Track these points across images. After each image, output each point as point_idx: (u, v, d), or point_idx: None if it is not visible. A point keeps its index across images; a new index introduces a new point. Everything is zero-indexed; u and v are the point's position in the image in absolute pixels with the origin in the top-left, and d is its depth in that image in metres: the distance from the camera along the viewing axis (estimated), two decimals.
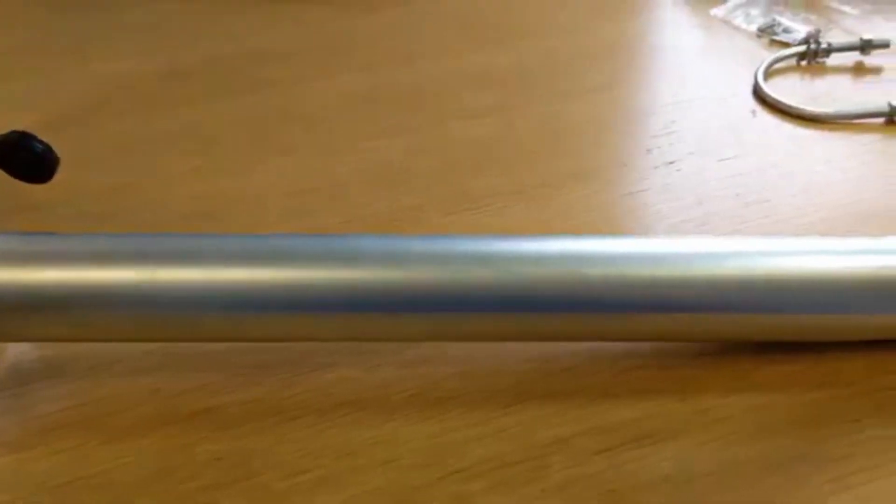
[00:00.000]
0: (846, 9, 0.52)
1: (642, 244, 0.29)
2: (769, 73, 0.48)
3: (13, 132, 0.37)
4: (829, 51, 0.49)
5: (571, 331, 0.30)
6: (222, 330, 0.29)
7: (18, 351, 0.33)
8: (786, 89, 0.47)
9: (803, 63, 0.49)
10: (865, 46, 0.48)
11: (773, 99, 0.46)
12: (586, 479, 0.27)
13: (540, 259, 0.29)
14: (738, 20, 0.53)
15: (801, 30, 0.50)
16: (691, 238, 0.31)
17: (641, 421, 0.29)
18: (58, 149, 0.37)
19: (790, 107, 0.45)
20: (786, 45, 0.50)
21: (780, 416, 0.30)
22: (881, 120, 0.44)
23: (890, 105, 0.44)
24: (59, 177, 0.37)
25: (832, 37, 0.50)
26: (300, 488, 0.27)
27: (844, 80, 0.48)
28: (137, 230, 0.33)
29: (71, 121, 0.47)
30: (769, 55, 0.49)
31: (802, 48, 0.49)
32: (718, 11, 0.53)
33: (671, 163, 0.42)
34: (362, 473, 0.28)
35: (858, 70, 0.49)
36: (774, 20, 0.51)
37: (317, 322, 0.30)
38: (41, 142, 0.38)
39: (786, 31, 0.51)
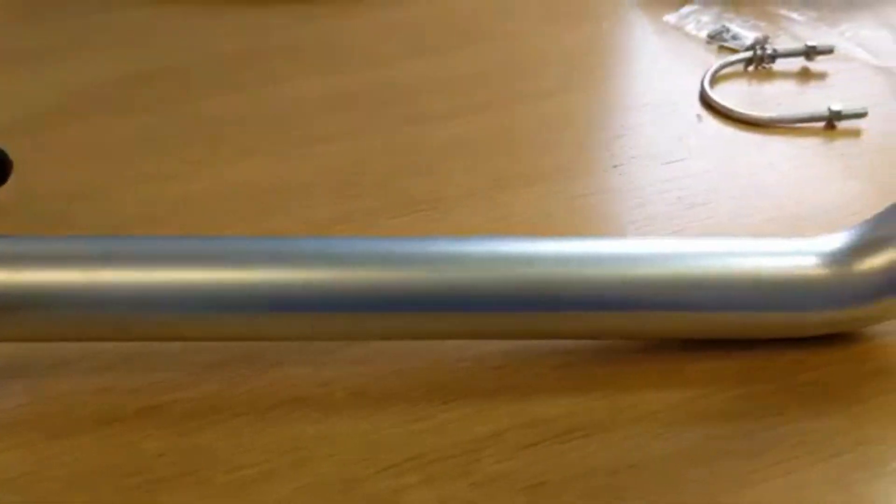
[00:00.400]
0: (794, 16, 0.53)
1: (572, 245, 0.31)
2: (716, 79, 0.49)
3: None
4: (775, 57, 0.50)
5: (505, 330, 0.31)
6: (167, 330, 0.30)
7: None
8: (732, 94, 0.48)
9: (750, 69, 0.50)
10: (810, 52, 0.50)
11: (719, 104, 0.47)
12: (515, 472, 0.28)
13: (474, 260, 0.30)
14: (690, 27, 0.54)
15: (749, 36, 0.52)
16: (623, 239, 0.32)
17: (571, 415, 0.30)
18: (13, 154, 0.38)
19: (734, 111, 0.46)
20: (734, 51, 0.51)
21: (706, 410, 0.31)
22: (822, 124, 0.45)
23: (829, 109, 0.45)
24: (14, 181, 0.38)
25: (780, 43, 0.52)
26: (241, 482, 0.28)
27: (789, 86, 0.50)
28: (89, 233, 0.34)
29: (28, 126, 0.48)
30: (717, 61, 0.50)
31: (749, 54, 0.50)
32: (671, 18, 0.55)
33: (616, 166, 0.43)
34: (302, 468, 0.29)
35: (803, 75, 0.50)
36: (724, 27, 0.53)
37: (261, 322, 0.31)
38: None
39: (734, 37, 0.52)
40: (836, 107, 0.45)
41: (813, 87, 0.49)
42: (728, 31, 0.53)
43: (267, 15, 0.59)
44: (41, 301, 0.29)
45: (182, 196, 0.43)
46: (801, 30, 0.53)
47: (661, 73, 0.52)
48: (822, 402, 0.31)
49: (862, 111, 0.45)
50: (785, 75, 0.50)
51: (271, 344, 0.34)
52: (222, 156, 0.46)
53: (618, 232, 0.39)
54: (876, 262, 0.30)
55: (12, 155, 0.38)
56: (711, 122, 0.47)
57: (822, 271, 0.31)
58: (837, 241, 0.31)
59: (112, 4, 0.62)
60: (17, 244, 0.30)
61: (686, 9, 0.56)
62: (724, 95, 0.48)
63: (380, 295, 0.30)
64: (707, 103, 0.48)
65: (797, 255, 0.31)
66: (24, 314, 0.29)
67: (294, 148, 0.46)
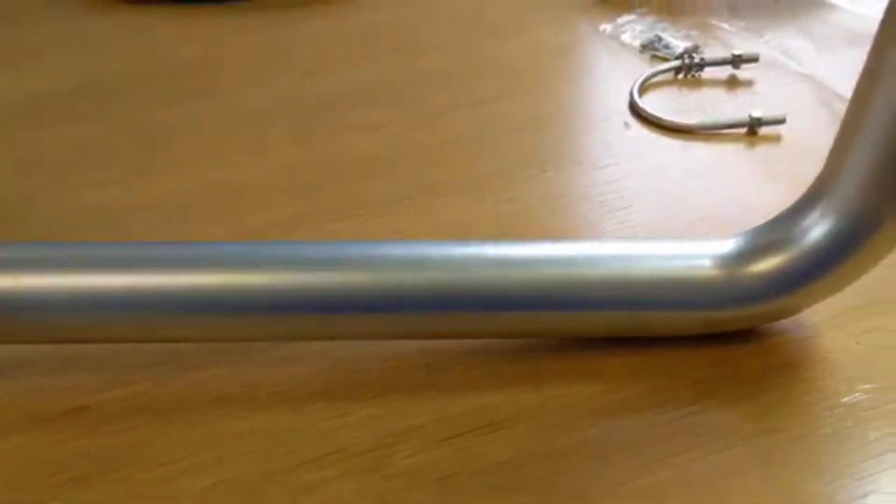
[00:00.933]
0: (725, 25, 0.55)
1: (480, 248, 0.32)
2: (647, 87, 0.51)
3: None
4: (703, 65, 0.52)
5: (424, 330, 0.33)
6: (91, 332, 0.31)
7: None
8: (660, 102, 0.50)
9: (680, 77, 0.52)
10: (736, 61, 0.52)
11: (646, 111, 0.49)
12: (428, 465, 0.30)
13: (393, 262, 0.32)
14: (625, 36, 0.56)
15: (680, 45, 0.54)
16: (530, 243, 0.34)
17: (488, 409, 0.32)
18: None
19: (661, 119, 0.48)
20: (666, 59, 0.53)
21: (616, 404, 0.32)
22: (744, 130, 0.47)
23: (750, 116, 0.47)
24: None
25: (710, 52, 0.53)
26: (162, 478, 0.29)
27: (716, 93, 0.51)
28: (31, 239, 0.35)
29: None
30: (648, 70, 0.52)
31: (678, 63, 0.52)
32: (607, 27, 0.57)
33: (545, 172, 0.45)
34: (222, 463, 0.30)
35: (731, 83, 0.52)
36: (657, 36, 0.55)
37: (187, 324, 0.32)
38: None
39: (666, 46, 0.54)
40: (756, 113, 0.47)
41: (739, 95, 0.51)
42: (661, 40, 0.54)
43: (215, 24, 0.61)
44: None
45: (126, 203, 0.44)
46: (731, 39, 0.55)
47: (593, 81, 0.53)
48: (728, 394, 0.33)
49: (781, 118, 0.47)
50: (713, 83, 0.52)
51: (198, 345, 0.35)
52: (167, 163, 0.47)
53: (542, 236, 0.41)
54: (763, 265, 0.32)
55: None
56: (639, 129, 0.48)
57: (714, 272, 0.32)
58: (731, 244, 0.33)
59: (63, 14, 0.63)
60: None
61: (622, 18, 0.57)
62: (653, 103, 0.50)
63: (304, 298, 0.31)
64: (635, 111, 0.49)
65: (693, 257, 0.33)
66: None
67: (233, 155, 0.47)
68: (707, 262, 0.33)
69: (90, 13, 0.63)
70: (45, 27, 0.61)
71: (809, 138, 0.47)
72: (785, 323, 0.35)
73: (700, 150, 0.47)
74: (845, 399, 0.33)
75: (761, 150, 0.47)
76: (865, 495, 0.29)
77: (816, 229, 0.32)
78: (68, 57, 0.58)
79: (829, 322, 0.36)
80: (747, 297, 0.33)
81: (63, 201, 0.44)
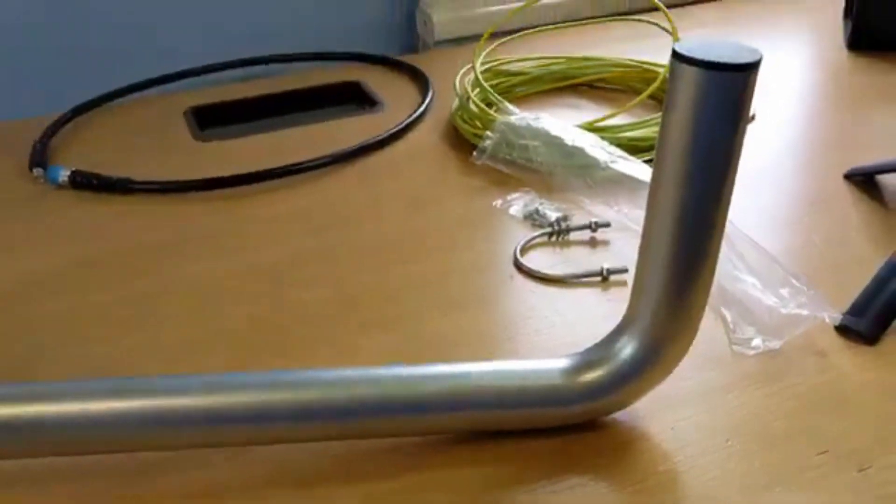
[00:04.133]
0: (586, 200, 0.71)
1: (392, 371, 0.46)
2: (527, 248, 0.66)
3: None
4: (570, 230, 0.68)
5: (344, 432, 0.46)
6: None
7: None
8: (537, 259, 0.65)
9: (552, 239, 0.67)
10: (594, 226, 0.68)
11: (527, 266, 0.64)
12: None
13: (321, 384, 0.45)
14: (512, 209, 0.71)
15: (553, 216, 0.69)
16: (433, 365, 0.47)
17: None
18: None
19: (536, 271, 0.63)
20: (542, 226, 0.69)
21: (494, 482, 0.45)
22: (599, 278, 0.62)
23: (602, 268, 0.62)
24: None
25: (576, 220, 0.69)
26: None
27: (580, 251, 0.67)
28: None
29: None
30: (529, 234, 0.68)
31: (551, 229, 0.67)
32: (497, 203, 0.72)
33: (446, 315, 0.59)
34: None
35: (591, 243, 0.68)
36: (536, 209, 0.70)
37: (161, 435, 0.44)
38: None
39: (542, 216, 0.70)
40: (606, 265, 0.62)
41: (598, 251, 0.67)
42: (538, 212, 0.70)
43: (178, 210, 0.74)
44: None
45: (112, 353, 0.56)
46: (592, 208, 0.71)
47: (487, 244, 0.68)
48: (580, 467, 0.46)
49: (624, 268, 0.62)
50: (578, 243, 0.68)
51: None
52: (142, 324, 0.60)
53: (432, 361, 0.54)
54: (592, 375, 0.46)
55: None
56: (520, 280, 0.63)
57: (558, 382, 0.46)
58: (571, 361, 0.47)
59: (56, 205, 0.76)
60: None
61: (510, 196, 0.73)
62: (532, 260, 0.65)
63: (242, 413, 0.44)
64: (518, 266, 0.64)
65: (545, 371, 0.47)
66: None
67: (200, 314, 0.60)
68: (556, 374, 0.47)
69: (78, 203, 0.76)
70: (51, 214, 0.74)
71: None
72: (619, 415, 0.49)
73: (565, 295, 0.61)
74: (661, 468, 0.46)
75: (611, 293, 0.61)
76: None
77: (626, 350, 0.47)
78: (56, 240, 0.71)
79: (651, 414, 0.49)
80: (582, 398, 0.46)
81: (67, 352, 0.56)
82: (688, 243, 0.43)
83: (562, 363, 0.47)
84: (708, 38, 0.41)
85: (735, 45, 0.40)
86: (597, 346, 0.48)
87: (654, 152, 0.44)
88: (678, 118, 0.41)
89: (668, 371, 0.47)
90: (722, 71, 0.39)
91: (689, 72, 0.39)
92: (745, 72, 0.39)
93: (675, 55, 0.40)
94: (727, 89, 0.39)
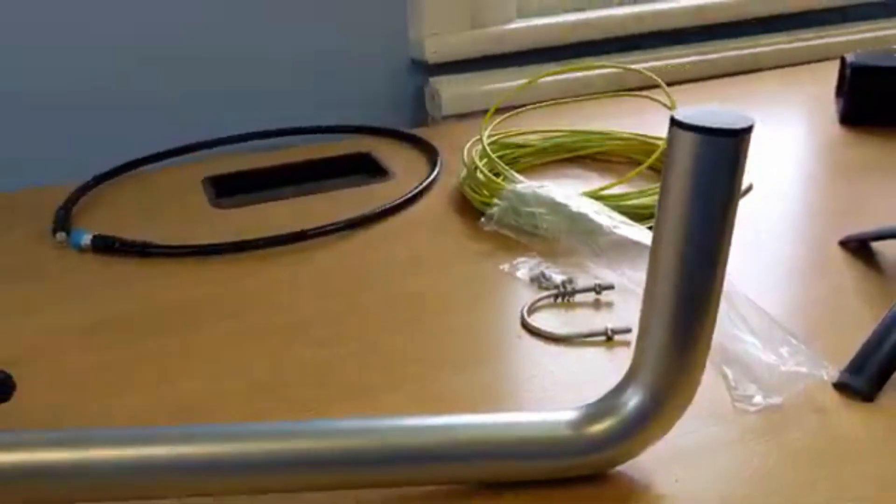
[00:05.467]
0: (590, 263, 0.74)
1: (402, 421, 0.47)
2: (534, 309, 0.69)
3: None
4: (575, 292, 0.70)
5: (355, 481, 0.47)
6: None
7: None
8: (544, 320, 0.67)
9: (558, 301, 0.70)
10: (598, 288, 0.70)
11: (533, 326, 0.66)
12: None
13: (338, 433, 0.47)
14: (519, 273, 0.74)
15: (559, 278, 0.72)
16: (443, 416, 0.49)
17: None
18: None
19: (543, 331, 0.65)
20: (548, 289, 0.71)
21: None
22: (603, 338, 0.64)
23: (606, 328, 0.64)
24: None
25: (581, 282, 0.72)
26: None
27: (585, 312, 0.69)
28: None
29: (20, 360, 0.63)
30: (535, 296, 0.70)
31: (556, 291, 0.70)
32: (505, 266, 0.75)
33: (458, 373, 0.61)
34: None
35: (596, 305, 0.70)
36: (542, 272, 0.73)
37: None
38: (3, 371, 0.54)
39: (548, 279, 0.72)
40: (610, 325, 0.64)
41: (602, 312, 0.69)
42: (545, 275, 0.73)
43: (196, 273, 0.77)
44: None
45: (134, 408, 0.58)
46: (596, 272, 0.73)
47: (495, 305, 0.70)
48: None
49: (627, 328, 0.64)
50: (583, 304, 0.70)
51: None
52: (158, 380, 0.62)
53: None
54: (598, 427, 0.48)
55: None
56: (528, 339, 0.65)
57: (565, 433, 0.48)
58: (577, 413, 0.49)
59: (71, 267, 0.79)
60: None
61: (517, 260, 0.76)
62: (539, 320, 0.67)
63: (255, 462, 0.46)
64: (526, 326, 0.66)
65: (553, 423, 0.48)
66: None
67: (216, 369, 0.62)
68: (562, 426, 0.48)
69: (100, 265, 0.79)
70: (67, 278, 0.77)
71: None
72: (624, 468, 0.50)
73: (571, 354, 0.63)
74: None
75: (614, 352, 0.63)
76: None
77: (631, 402, 0.48)
78: (79, 301, 0.73)
79: (655, 467, 0.51)
80: (589, 450, 0.48)
81: (89, 409, 0.58)
82: (688, 295, 0.45)
83: (568, 415, 0.49)
84: (703, 107, 0.45)
85: (729, 113, 0.43)
86: (601, 399, 0.50)
87: (654, 219, 0.46)
88: (677, 181, 0.44)
89: (672, 422, 0.49)
90: (717, 136, 0.42)
91: (687, 137, 0.42)
92: (739, 136, 0.42)
93: (674, 122, 0.43)
94: (722, 152, 0.42)
